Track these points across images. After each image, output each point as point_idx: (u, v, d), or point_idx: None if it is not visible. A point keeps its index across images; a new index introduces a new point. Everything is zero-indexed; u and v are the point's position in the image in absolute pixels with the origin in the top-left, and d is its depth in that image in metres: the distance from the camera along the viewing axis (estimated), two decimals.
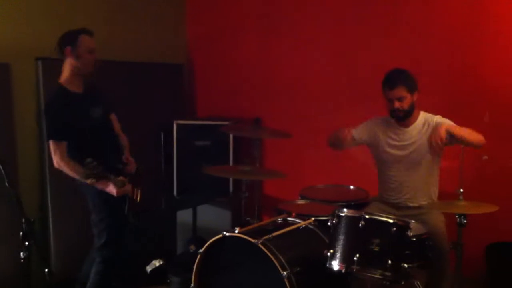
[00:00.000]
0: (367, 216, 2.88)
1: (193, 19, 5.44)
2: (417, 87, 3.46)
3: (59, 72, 3.51)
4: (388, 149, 3.60)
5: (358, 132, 3.69)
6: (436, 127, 3.35)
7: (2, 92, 3.90)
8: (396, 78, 3.41)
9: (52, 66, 4.06)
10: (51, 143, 3.39)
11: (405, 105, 3.42)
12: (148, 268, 3.95)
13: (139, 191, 3.65)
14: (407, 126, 3.54)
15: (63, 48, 3.47)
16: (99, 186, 3.40)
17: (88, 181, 3.25)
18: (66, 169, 3.38)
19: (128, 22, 4.70)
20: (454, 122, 3.55)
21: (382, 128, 3.64)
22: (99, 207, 3.56)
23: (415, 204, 3.56)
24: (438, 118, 3.50)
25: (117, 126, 3.82)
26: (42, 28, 4.13)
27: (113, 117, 3.79)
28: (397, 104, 3.41)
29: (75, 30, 3.51)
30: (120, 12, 4.63)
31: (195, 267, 3.25)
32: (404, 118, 3.48)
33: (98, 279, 3.60)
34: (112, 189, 3.40)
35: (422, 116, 3.55)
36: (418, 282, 3.40)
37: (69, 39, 3.48)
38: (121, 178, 3.43)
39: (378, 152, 3.66)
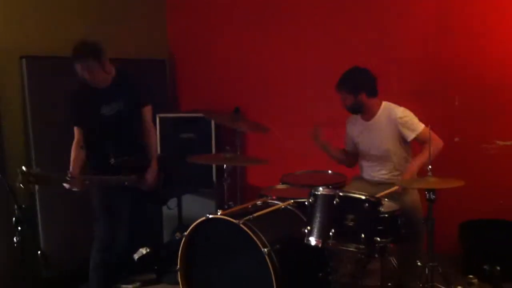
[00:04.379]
0: (341, 194, 3.02)
1: (173, 14, 5.53)
2: (367, 88, 3.70)
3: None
4: (358, 141, 3.89)
5: (347, 143, 4.06)
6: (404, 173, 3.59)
7: None
8: (339, 84, 3.75)
9: (37, 65, 4.14)
10: None
11: (347, 103, 3.74)
12: (136, 256, 3.98)
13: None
14: (368, 119, 3.79)
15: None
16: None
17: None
18: None
19: (108, 19, 4.76)
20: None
21: (352, 123, 3.95)
22: (96, 210, 3.67)
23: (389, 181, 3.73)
24: (400, 113, 3.66)
25: (148, 119, 3.81)
26: (27, 26, 4.18)
27: (145, 109, 3.80)
28: (342, 102, 3.77)
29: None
30: (100, 9, 4.70)
31: (180, 249, 3.36)
32: (352, 112, 3.82)
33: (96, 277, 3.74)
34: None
35: (385, 108, 3.74)
36: (393, 258, 3.59)
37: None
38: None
39: (355, 142, 3.95)
